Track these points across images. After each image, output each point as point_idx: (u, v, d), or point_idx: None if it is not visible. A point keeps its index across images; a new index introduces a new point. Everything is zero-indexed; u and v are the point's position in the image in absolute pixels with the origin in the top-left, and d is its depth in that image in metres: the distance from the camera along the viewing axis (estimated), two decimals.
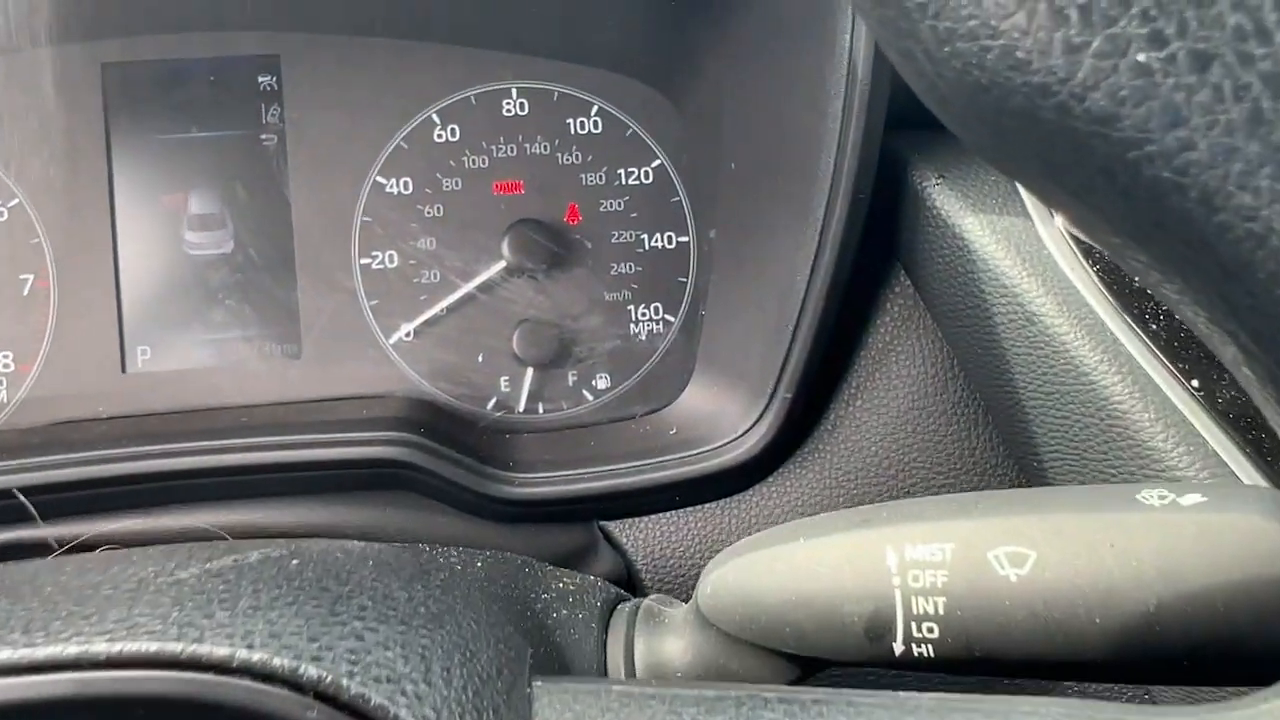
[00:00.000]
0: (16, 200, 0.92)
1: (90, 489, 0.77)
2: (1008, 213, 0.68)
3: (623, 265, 0.97)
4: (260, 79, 0.95)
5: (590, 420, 0.95)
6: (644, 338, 0.97)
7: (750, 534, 0.80)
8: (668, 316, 0.98)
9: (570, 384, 0.97)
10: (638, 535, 0.82)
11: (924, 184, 0.72)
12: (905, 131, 0.71)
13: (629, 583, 0.83)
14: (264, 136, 0.95)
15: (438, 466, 0.79)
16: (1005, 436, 0.75)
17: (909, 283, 0.79)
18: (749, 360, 0.80)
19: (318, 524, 0.80)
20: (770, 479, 0.80)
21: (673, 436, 0.83)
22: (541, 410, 0.96)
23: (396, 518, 0.81)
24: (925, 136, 0.75)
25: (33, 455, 0.79)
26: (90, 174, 0.93)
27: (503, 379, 0.96)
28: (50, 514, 0.76)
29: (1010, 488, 0.77)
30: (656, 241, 0.98)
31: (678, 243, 0.98)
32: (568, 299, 0.96)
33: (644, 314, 0.97)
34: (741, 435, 0.77)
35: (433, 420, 0.86)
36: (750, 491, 0.80)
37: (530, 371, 0.95)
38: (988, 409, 0.76)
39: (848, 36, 0.66)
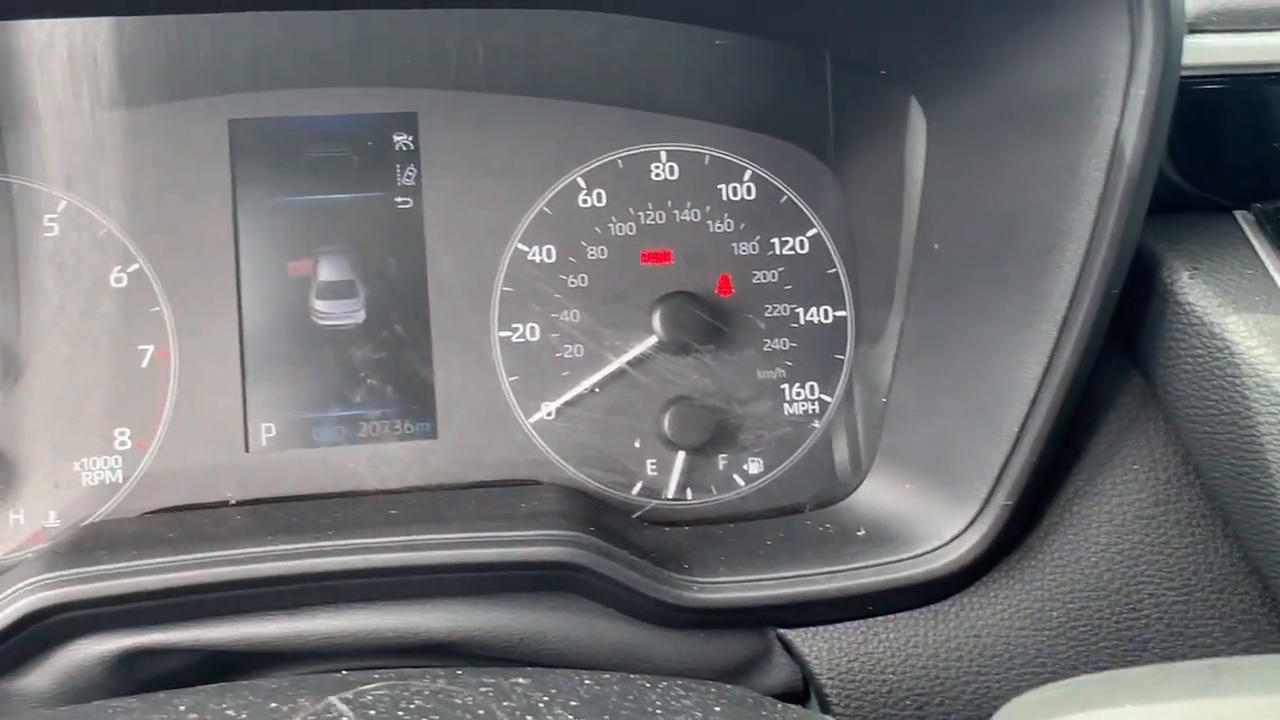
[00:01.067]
0: (137, 265, 0.86)
1: (236, 590, 0.70)
2: (1273, 311, 0.62)
3: (777, 341, 0.91)
4: (396, 138, 0.89)
5: (749, 510, 0.88)
6: (799, 419, 0.91)
7: (953, 648, 0.74)
8: (824, 397, 0.91)
9: (721, 468, 0.90)
10: (821, 645, 0.75)
11: (1173, 278, 0.66)
12: (1150, 217, 0.65)
13: (805, 694, 0.76)
14: (399, 199, 0.89)
15: (611, 570, 0.72)
16: (1254, 552, 0.68)
17: (1139, 379, 0.72)
18: (955, 459, 0.73)
19: (475, 629, 0.73)
20: (973, 587, 0.73)
21: (861, 539, 0.76)
22: (690, 496, 0.89)
23: (558, 623, 0.74)
24: (1172, 222, 0.69)
25: (169, 552, 0.71)
26: (215, 238, 0.86)
27: (649, 462, 0.89)
28: (191, 615, 0.69)
29: (1253, 607, 0.70)
30: (812, 316, 0.92)
31: (834, 318, 0.92)
32: (720, 377, 0.90)
33: (799, 393, 0.91)
34: (950, 542, 0.71)
35: (591, 514, 0.79)
36: (950, 601, 0.73)
37: (682, 456, 0.88)
38: (1228, 520, 0.69)
39: (1115, 119, 0.59)
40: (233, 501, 0.83)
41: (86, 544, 0.72)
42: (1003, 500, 0.69)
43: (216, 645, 0.72)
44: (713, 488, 0.90)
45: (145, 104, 0.86)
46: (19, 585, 0.68)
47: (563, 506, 0.78)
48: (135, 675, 0.72)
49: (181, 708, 0.52)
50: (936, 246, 0.76)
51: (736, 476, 0.90)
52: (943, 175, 0.76)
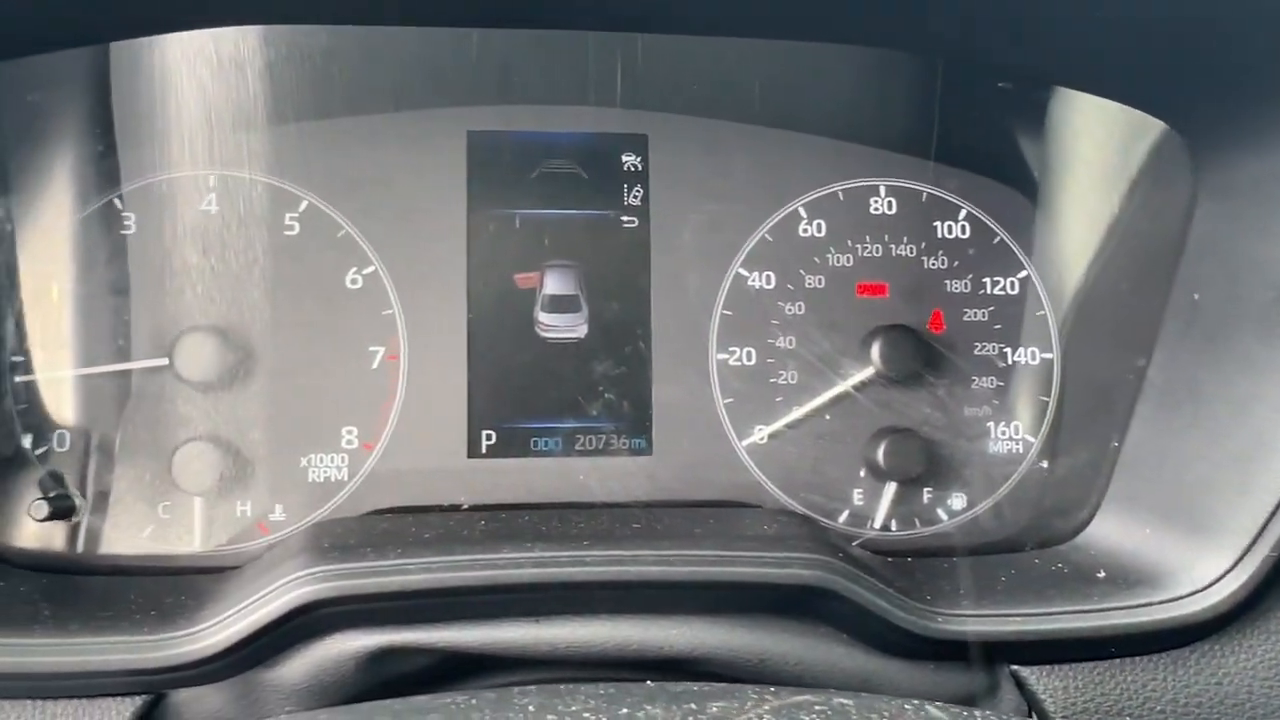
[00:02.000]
0: (372, 268, 0.87)
1: (498, 594, 0.71)
2: None
3: (984, 379, 0.92)
4: (625, 158, 0.91)
5: (953, 545, 0.89)
6: (1003, 458, 0.92)
7: (1193, 694, 0.74)
8: (1027, 437, 0.92)
9: (925, 501, 0.91)
10: (1056, 683, 0.75)
11: None
12: None
13: None
14: (625, 219, 0.91)
15: (861, 597, 0.73)
16: None
17: None
18: (1207, 507, 0.74)
19: (716, 646, 0.74)
20: (1216, 634, 0.74)
21: (1101, 580, 0.76)
22: (894, 528, 0.90)
23: (797, 646, 0.75)
24: None
25: (429, 553, 0.72)
26: (448, 245, 0.88)
27: (856, 491, 0.90)
28: (443, 616, 0.70)
29: None
30: (1020, 357, 0.93)
31: (1041, 359, 0.93)
32: (929, 411, 0.91)
33: (1004, 431, 0.92)
34: (1206, 589, 0.72)
35: (826, 540, 0.80)
36: (1191, 648, 0.74)
37: (892, 486, 0.89)
38: None
39: None
40: (465, 505, 0.84)
41: (346, 541, 0.73)
42: (1266, 550, 0.70)
43: (463, 648, 0.72)
44: (916, 520, 0.91)
45: (386, 111, 0.88)
46: (289, 578, 0.69)
47: (800, 530, 0.79)
48: (381, 673, 0.72)
49: (531, 707, 0.53)
50: (1196, 297, 0.77)
51: (940, 510, 0.91)
52: (1211, 228, 0.77)
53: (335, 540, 0.74)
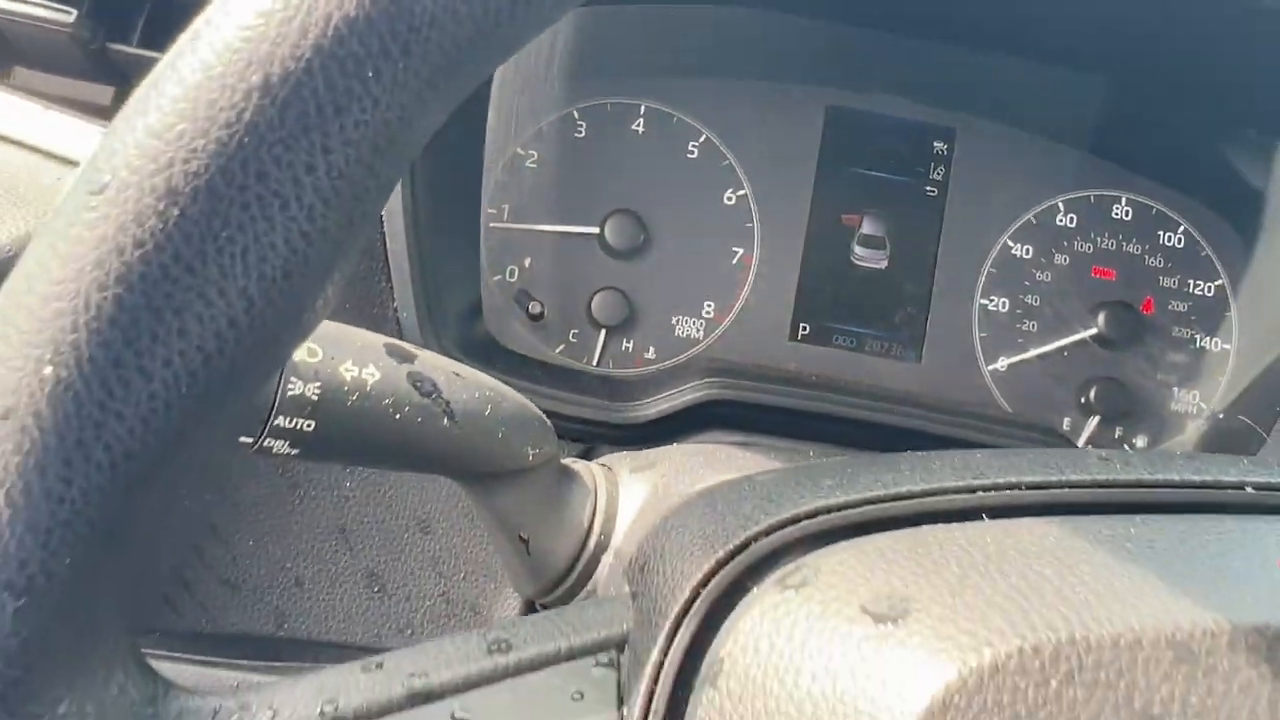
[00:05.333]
0: (743, 191, 1.19)
1: (783, 417, 1.02)
2: None
3: (1177, 355, 1.21)
4: (936, 144, 1.22)
5: None
6: (1181, 414, 1.21)
7: None
8: (1201, 404, 1.21)
9: (1116, 436, 1.20)
10: None
11: None
12: None
13: None
14: (928, 188, 1.22)
15: None
16: None
17: None
18: None
19: None
20: None
21: None
22: None
23: None
24: None
25: (744, 378, 1.04)
26: (799, 187, 1.20)
27: (1065, 420, 1.20)
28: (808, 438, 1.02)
29: None
30: (1204, 343, 1.22)
31: (1221, 348, 1.22)
32: (1131, 370, 1.20)
33: (1182, 395, 1.21)
34: None
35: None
36: None
37: (1094, 420, 1.19)
38: None
39: None
40: (793, 368, 1.16)
41: (736, 369, 1.05)
42: None
43: None
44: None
45: (766, 79, 1.20)
46: (698, 381, 1.02)
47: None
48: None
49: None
50: None
51: (1126, 446, 1.21)
52: None
53: (722, 367, 1.06)
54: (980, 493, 0.47)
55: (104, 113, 0.90)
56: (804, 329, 1.20)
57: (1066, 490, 0.47)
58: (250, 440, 0.61)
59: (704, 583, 0.45)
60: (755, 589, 0.44)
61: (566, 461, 0.77)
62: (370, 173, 0.39)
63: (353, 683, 0.45)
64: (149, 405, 0.37)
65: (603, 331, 1.16)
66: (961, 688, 0.37)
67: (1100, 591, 0.40)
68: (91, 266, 0.36)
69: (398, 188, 0.98)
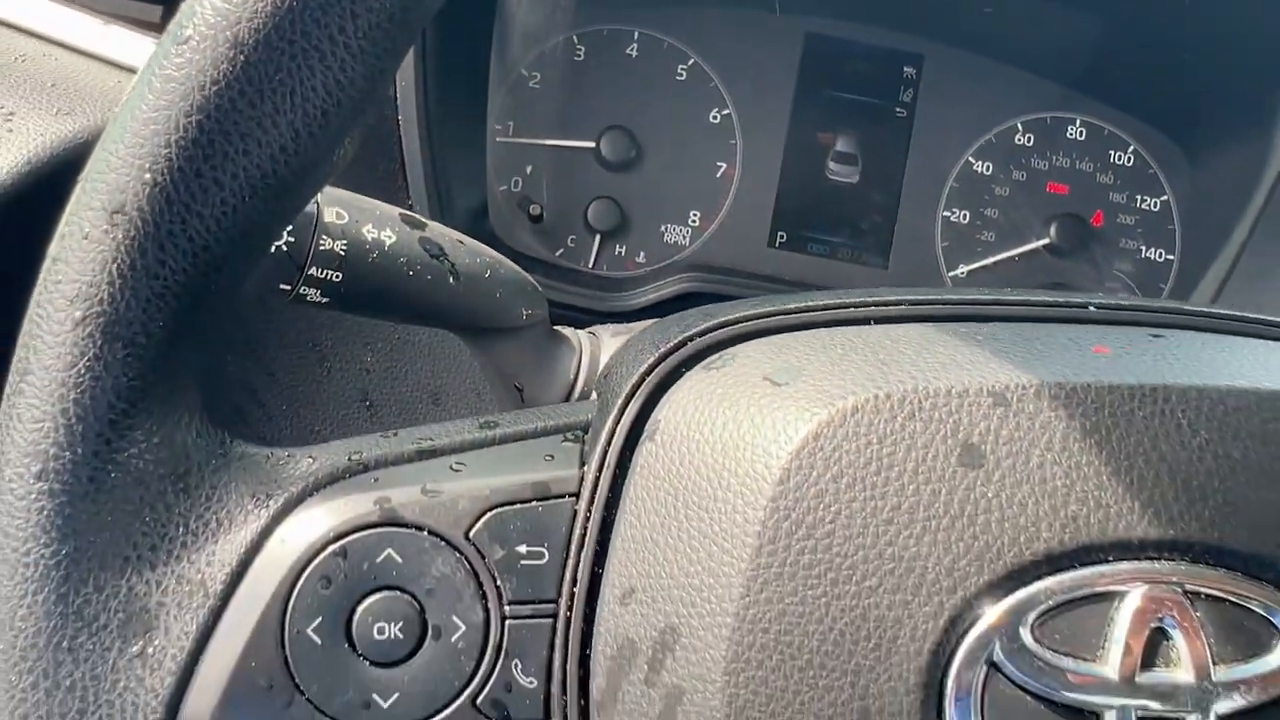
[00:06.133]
0: (728, 111, 1.31)
1: None
2: None
3: (1123, 264, 1.33)
4: (905, 69, 1.33)
5: None
6: None
7: None
8: None
9: None
10: None
11: None
12: None
13: None
14: (898, 109, 1.33)
15: None
16: None
17: None
18: None
19: None
20: None
21: None
22: None
23: None
24: None
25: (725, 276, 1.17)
26: (779, 106, 1.31)
27: None
28: None
29: None
30: (1149, 254, 1.33)
31: (1165, 259, 1.33)
32: (1080, 278, 1.32)
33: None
34: None
35: None
36: None
37: None
38: None
39: None
40: (770, 272, 1.28)
41: (718, 269, 1.17)
42: None
43: None
44: None
45: (750, 8, 1.31)
46: (686, 274, 1.14)
47: None
48: None
49: None
50: (1271, 209, 1.17)
51: None
52: None
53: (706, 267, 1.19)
54: (873, 308, 0.60)
55: (155, 28, 1.02)
56: (781, 237, 1.31)
57: (942, 305, 0.59)
58: (288, 287, 0.73)
59: (649, 371, 0.58)
60: (688, 373, 0.57)
61: (556, 327, 0.89)
62: (387, 36, 0.51)
63: (373, 443, 0.57)
64: (220, 209, 0.50)
65: (598, 236, 1.28)
66: (829, 423, 0.50)
67: (944, 361, 0.52)
68: (179, 99, 0.48)
69: (413, 107, 1.10)
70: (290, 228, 0.70)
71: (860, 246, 1.32)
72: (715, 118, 1.31)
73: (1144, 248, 1.33)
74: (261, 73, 0.49)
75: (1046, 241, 1.31)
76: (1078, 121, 1.33)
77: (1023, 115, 1.33)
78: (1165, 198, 1.33)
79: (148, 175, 0.49)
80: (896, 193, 1.32)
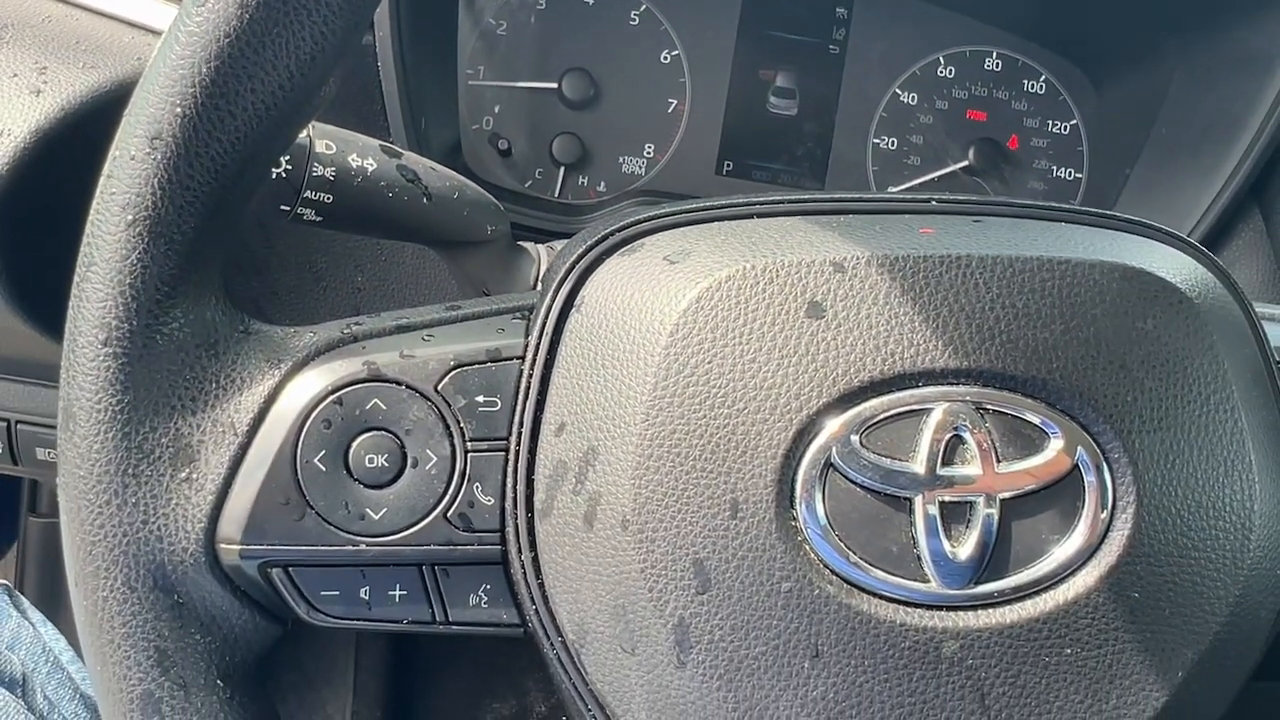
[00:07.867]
0: (677, 52, 1.44)
1: None
2: None
3: (1037, 183, 1.47)
4: (838, 9, 1.46)
5: None
6: None
7: None
8: None
9: None
10: None
11: None
12: None
13: None
14: (831, 47, 1.46)
15: None
16: None
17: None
18: None
19: None
20: None
21: None
22: None
23: None
24: None
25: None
26: (723, 46, 1.45)
27: None
28: None
29: None
30: (1061, 173, 1.47)
31: (1074, 177, 1.48)
32: (998, 194, 1.46)
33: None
34: None
35: None
36: None
37: None
38: None
39: None
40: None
41: (670, 195, 1.32)
42: None
43: None
44: None
45: None
46: (641, 200, 1.28)
47: None
48: None
49: None
50: (1164, 131, 1.31)
51: None
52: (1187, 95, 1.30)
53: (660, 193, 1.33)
54: (757, 205, 0.75)
55: None
56: (728, 165, 1.46)
57: (813, 203, 0.74)
58: (288, 208, 0.88)
59: (579, 259, 0.73)
60: (608, 259, 0.72)
61: (518, 241, 1.04)
62: None
63: (362, 321, 0.72)
64: (234, 134, 0.65)
65: (562, 169, 1.42)
66: (708, 289, 0.65)
67: (800, 241, 0.67)
68: (200, 49, 0.63)
69: (389, 55, 1.24)
70: (288, 157, 0.85)
71: (799, 172, 1.47)
72: (666, 58, 1.45)
73: (1055, 168, 1.47)
74: (262, 27, 0.63)
75: (966, 164, 1.45)
76: (994, 54, 1.47)
77: (945, 49, 1.47)
78: (1074, 122, 1.47)
79: (178, 108, 0.63)
80: (831, 123, 1.46)
